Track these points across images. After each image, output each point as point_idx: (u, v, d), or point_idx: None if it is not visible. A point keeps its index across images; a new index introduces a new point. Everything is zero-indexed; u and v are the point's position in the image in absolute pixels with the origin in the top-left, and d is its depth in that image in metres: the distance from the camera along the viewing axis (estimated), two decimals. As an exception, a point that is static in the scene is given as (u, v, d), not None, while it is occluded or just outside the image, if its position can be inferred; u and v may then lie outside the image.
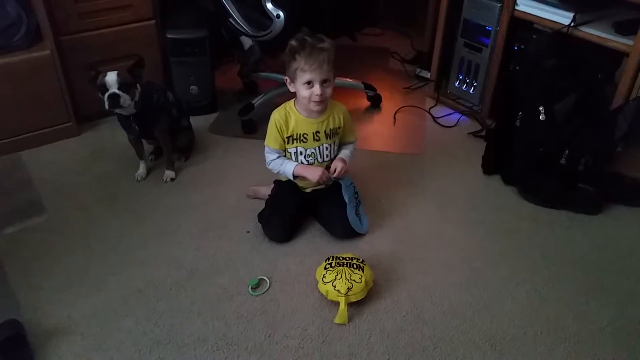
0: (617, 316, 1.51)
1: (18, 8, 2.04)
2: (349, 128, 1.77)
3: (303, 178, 1.72)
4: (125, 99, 1.80)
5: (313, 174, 1.69)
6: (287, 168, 1.71)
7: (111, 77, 1.77)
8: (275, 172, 1.75)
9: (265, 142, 1.73)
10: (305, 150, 1.70)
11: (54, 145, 2.20)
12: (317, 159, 1.73)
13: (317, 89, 1.58)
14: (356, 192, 1.79)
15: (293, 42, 1.59)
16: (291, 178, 1.72)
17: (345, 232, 1.74)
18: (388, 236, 1.78)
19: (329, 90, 1.62)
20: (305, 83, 1.59)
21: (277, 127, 1.68)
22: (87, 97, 2.09)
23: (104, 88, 1.78)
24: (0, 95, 2.03)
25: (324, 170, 1.70)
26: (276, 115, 1.70)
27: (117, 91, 1.78)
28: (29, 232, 1.76)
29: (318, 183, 1.72)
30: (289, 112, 1.69)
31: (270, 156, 1.73)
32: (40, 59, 2.07)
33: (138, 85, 1.86)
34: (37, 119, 2.16)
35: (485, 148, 2.12)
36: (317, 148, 1.71)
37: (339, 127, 1.72)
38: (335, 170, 1.71)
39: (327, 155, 1.74)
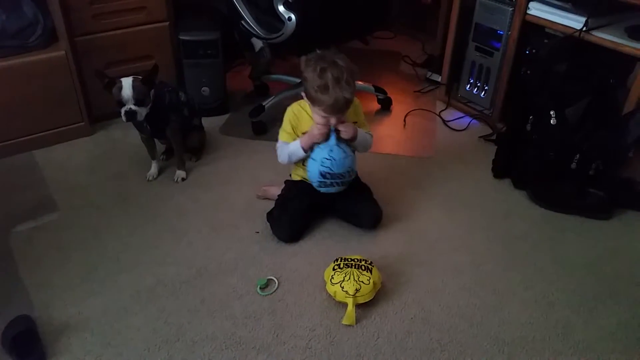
0: (627, 322, 1.50)
1: (35, 9, 2.07)
2: (361, 121, 1.74)
3: (312, 145, 1.66)
4: (141, 112, 1.83)
5: (312, 134, 1.63)
6: (295, 149, 1.68)
7: (127, 93, 1.79)
8: (288, 161, 1.72)
9: (279, 137, 1.73)
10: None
11: (66, 145, 2.23)
12: None
13: (332, 120, 1.60)
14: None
15: (317, 79, 1.53)
16: (304, 153, 1.67)
17: (374, 219, 1.77)
18: (397, 239, 1.78)
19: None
20: (322, 116, 1.59)
21: (291, 124, 1.71)
22: (100, 97, 2.11)
23: (120, 103, 1.81)
24: (15, 95, 2.06)
25: (317, 124, 1.62)
26: (290, 112, 1.72)
27: (133, 107, 1.81)
28: (41, 230, 1.79)
29: (323, 140, 1.64)
30: (302, 110, 1.71)
31: (279, 150, 1.74)
32: (55, 59, 2.09)
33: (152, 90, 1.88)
34: (51, 118, 2.18)
35: (496, 152, 2.12)
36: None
37: (354, 122, 1.70)
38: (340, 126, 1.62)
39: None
